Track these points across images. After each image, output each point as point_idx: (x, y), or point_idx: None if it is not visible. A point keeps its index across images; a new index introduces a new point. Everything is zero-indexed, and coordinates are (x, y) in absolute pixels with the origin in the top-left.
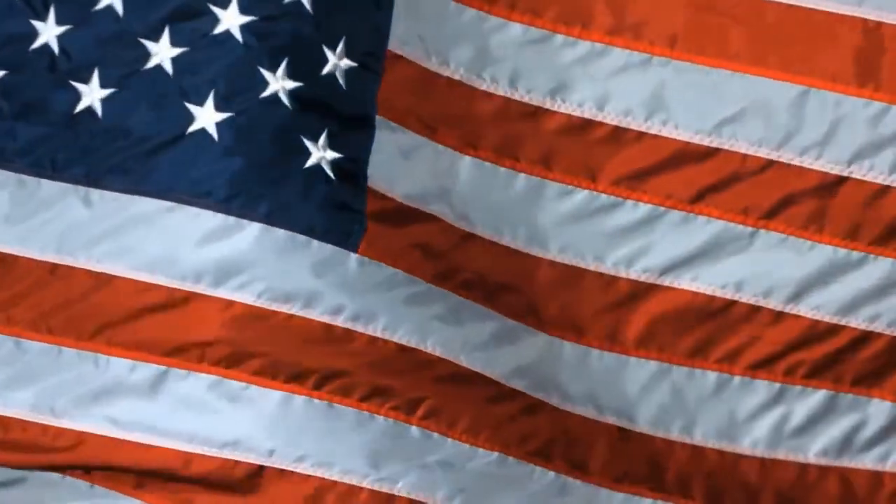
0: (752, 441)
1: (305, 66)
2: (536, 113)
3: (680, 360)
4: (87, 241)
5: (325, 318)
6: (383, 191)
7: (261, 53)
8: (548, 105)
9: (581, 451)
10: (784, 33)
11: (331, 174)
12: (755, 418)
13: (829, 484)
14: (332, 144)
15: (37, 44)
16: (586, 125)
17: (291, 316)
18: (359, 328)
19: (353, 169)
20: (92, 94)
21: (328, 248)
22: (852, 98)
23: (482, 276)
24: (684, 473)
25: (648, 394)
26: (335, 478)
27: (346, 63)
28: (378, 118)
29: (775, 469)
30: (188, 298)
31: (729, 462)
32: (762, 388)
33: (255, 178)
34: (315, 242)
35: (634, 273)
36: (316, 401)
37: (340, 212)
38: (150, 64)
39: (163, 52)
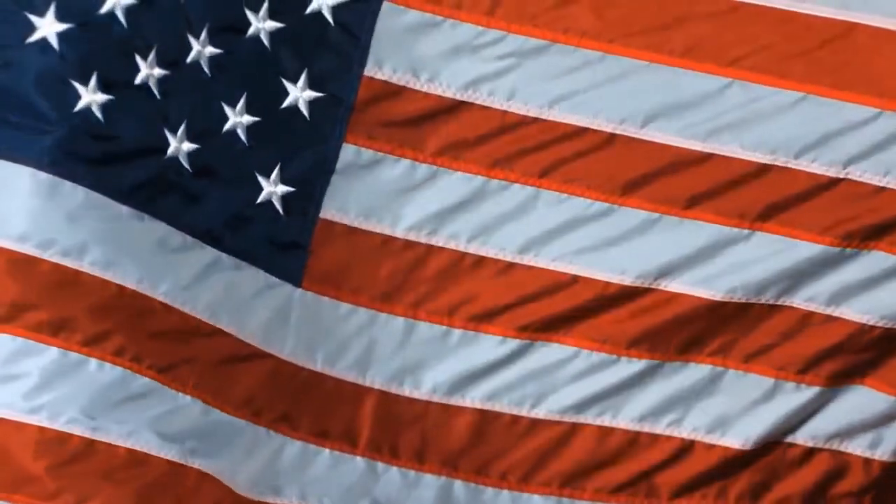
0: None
1: (263, 100)
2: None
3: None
4: None
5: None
6: (338, 220)
7: (222, 87)
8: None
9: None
10: (775, 39)
11: (280, 209)
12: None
13: None
14: (284, 178)
15: (34, 37)
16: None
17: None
18: (298, 361)
19: (303, 203)
20: (91, 97)
21: (272, 279)
22: (845, 103)
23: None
24: None
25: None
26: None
27: (309, 94)
28: (345, 145)
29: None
30: None
31: None
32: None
33: (211, 213)
34: (261, 273)
35: (628, 279)
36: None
37: (285, 247)
38: (138, 81)
39: (153, 71)
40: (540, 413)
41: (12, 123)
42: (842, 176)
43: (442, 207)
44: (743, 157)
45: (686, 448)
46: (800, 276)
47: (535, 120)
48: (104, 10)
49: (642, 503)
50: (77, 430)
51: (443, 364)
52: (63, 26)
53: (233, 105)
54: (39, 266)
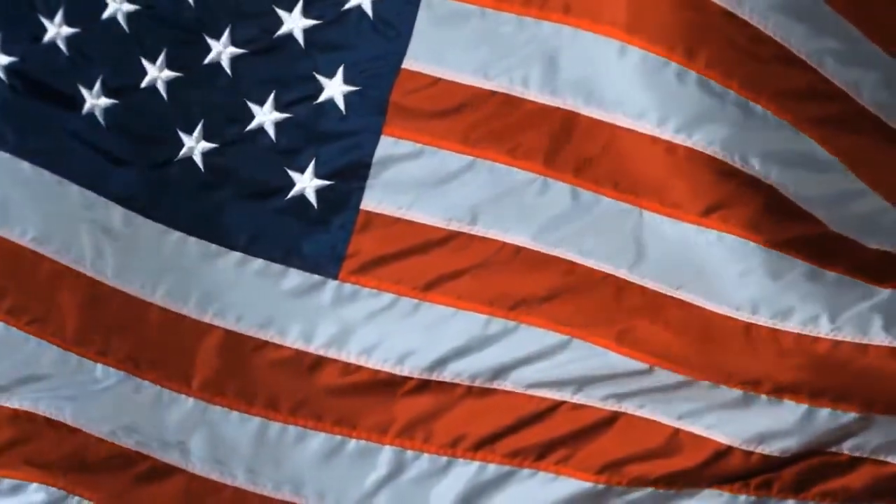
0: None
1: (295, 97)
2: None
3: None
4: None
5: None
6: (380, 210)
7: (248, 86)
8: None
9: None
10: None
11: (314, 203)
12: None
13: None
14: (319, 173)
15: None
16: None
17: None
18: (331, 354)
19: (341, 195)
20: (95, 101)
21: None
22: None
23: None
24: None
25: None
26: None
27: (346, 88)
28: (384, 137)
29: None
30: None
31: None
32: None
33: (234, 210)
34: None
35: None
36: None
37: (321, 240)
38: (145, 83)
39: (161, 74)
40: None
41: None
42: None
43: (481, 199)
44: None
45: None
46: None
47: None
48: (106, 14)
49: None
50: None
51: (482, 353)
52: (70, 30)
53: (260, 103)
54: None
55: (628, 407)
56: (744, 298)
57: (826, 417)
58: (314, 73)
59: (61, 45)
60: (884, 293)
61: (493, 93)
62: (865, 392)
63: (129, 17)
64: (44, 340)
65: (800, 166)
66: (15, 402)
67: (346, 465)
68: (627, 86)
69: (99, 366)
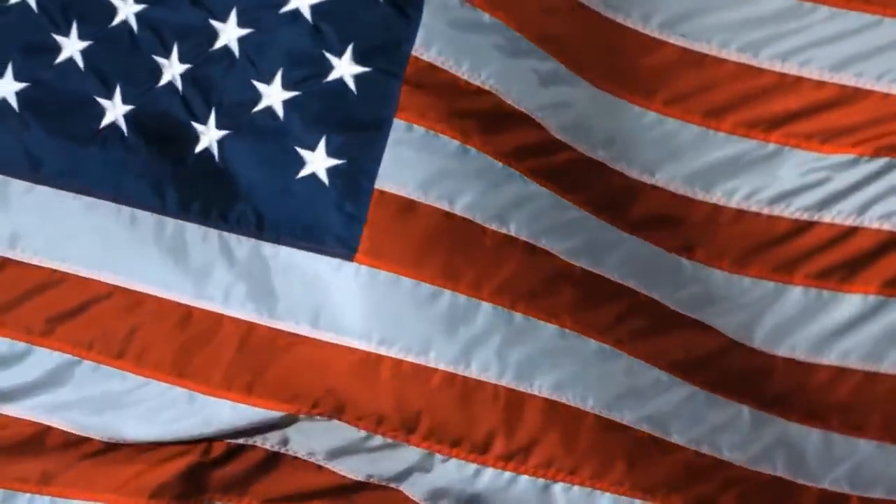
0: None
1: (304, 76)
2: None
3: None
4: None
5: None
6: (395, 191)
7: (257, 66)
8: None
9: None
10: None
11: (326, 181)
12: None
13: None
14: (331, 151)
15: (61, 58)
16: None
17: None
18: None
19: (354, 174)
20: (115, 111)
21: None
22: (818, 153)
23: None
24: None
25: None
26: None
27: (357, 69)
28: (396, 121)
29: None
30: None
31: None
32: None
33: (249, 193)
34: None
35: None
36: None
37: (335, 218)
38: (163, 81)
39: (174, 69)
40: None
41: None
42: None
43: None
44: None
45: None
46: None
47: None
48: (117, 21)
49: None
50: None
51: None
52: (84, 44)
53: (267, 82)
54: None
55: None
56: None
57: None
58: (324, 51)
59: (77, 61)
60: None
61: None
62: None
63: (138, 17)
64: None
65: None
66: None
67: None
68: None
69: None
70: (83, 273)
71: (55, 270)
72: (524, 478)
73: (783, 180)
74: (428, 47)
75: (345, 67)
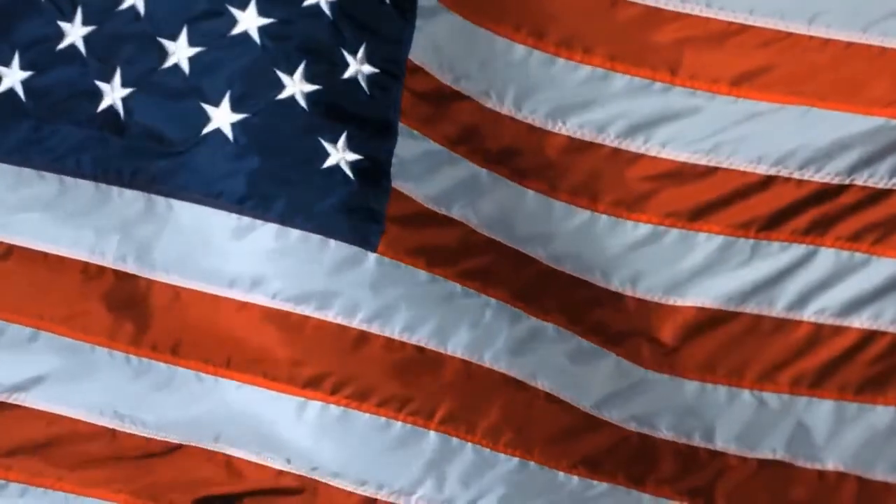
0: (771, 449)
1: (324, 70)
2: (539, 132)
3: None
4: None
5: (340, 320)
6: (407, 192)
7: (277, 55)
8: (549, 126)
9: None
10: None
11: (350, 175)
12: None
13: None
14: (352, 146)
15: (63, 44)
16: (586, 147)
17: (307, 317)
18: (374, 330)
19: (374, 170)
20: (113, 94)
21: (345, 248)
22: (850, 114)
23: (505, 279)
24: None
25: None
26: (349, 488)
27: (368, 69)
28: (401, 125)
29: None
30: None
31: (751, 468)
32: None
33: (269, 179)
34: (332, 242)
35: (640, 292)
36: (332, 406)
37: (359, 212)
38: (168, 63)
39: (180, 52)
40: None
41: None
42: (847, 182)
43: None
44: (747, 169)
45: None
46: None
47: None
48: (125, 5)
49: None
50: None
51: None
52: (87, 29)
53: (290, 73)
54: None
55: None
56: None
57: None
58: (341, 48)
59: (80, 47)
60: None
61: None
62: None
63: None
64: None
65: None
66: None
67: None
68: None
69: None
70: None
71: None
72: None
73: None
74: (423, 50)
75: (358, 66)
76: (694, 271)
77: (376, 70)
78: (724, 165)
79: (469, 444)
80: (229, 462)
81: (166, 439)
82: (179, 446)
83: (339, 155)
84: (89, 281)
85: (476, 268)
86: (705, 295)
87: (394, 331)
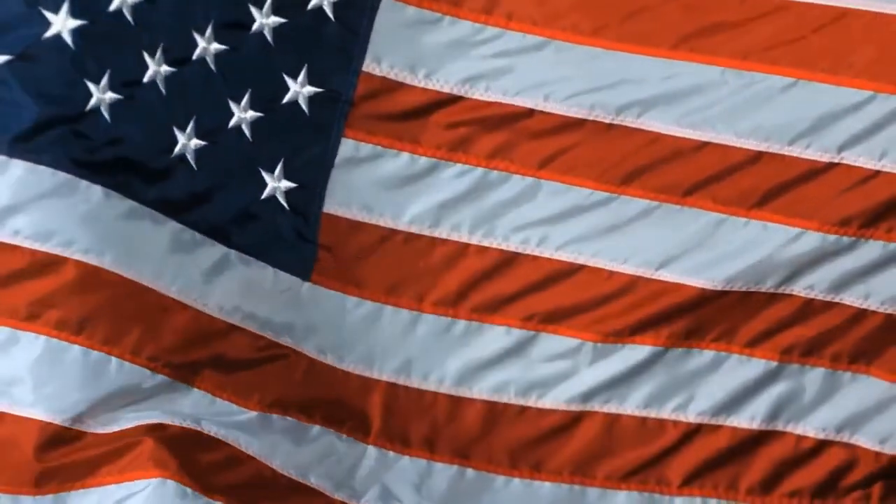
0: (751, 414)
1: (266, 96)
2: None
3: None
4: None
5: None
6: (340, 214)
7: (228, 83)
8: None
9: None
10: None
11: (285, 204)
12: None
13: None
14: (287, 174)
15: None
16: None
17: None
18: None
19: (306, 198)
20: (101, 96)
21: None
22: (837, 87)
23: None
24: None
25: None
26: None
27: (309, 90)
28: (346, 140)
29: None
30: None
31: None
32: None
33: (219, 210)
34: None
35: (630, 268)
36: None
37: (293, 241)
38: (147, 79)
39: (160, 69)
40: (546, 403)
41: (32, 125)
42: (836, 161)
43: (443, 199)
44: (737, 144)
45: (693, 432)
46: (799, 265)
47: (532, 112)
48: (112, 7)
49: (653, 490)
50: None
51: (449, 355)
52: (76, 23)
53: (238, 101)
54: (62, 265)
55: None
56: None
57: None
58: (282, 72)
59: (68, 40)
60: None
61: (459, 97)
62: None
63: (134, 8)
64: None
65: None
66: None
67: None
68: None
69: None
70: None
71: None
72: None
73: None
74: (379, 62)
75: (299, 88)
76: (685, 248)
77: (319, 90)
78: (716, 141)
79: None
80: None
81: None
82: None
83: (275, 184)
84: None
85: (401, 279)
86: (705, 275)
87: (326, 356)
